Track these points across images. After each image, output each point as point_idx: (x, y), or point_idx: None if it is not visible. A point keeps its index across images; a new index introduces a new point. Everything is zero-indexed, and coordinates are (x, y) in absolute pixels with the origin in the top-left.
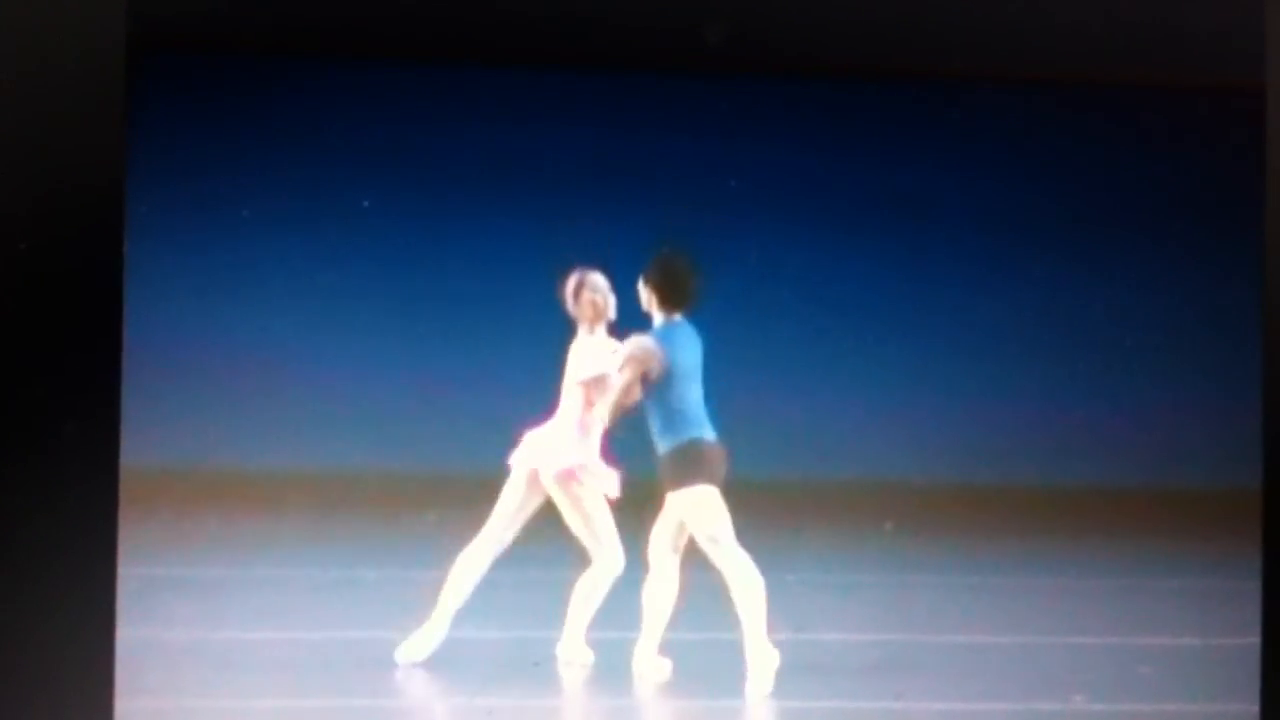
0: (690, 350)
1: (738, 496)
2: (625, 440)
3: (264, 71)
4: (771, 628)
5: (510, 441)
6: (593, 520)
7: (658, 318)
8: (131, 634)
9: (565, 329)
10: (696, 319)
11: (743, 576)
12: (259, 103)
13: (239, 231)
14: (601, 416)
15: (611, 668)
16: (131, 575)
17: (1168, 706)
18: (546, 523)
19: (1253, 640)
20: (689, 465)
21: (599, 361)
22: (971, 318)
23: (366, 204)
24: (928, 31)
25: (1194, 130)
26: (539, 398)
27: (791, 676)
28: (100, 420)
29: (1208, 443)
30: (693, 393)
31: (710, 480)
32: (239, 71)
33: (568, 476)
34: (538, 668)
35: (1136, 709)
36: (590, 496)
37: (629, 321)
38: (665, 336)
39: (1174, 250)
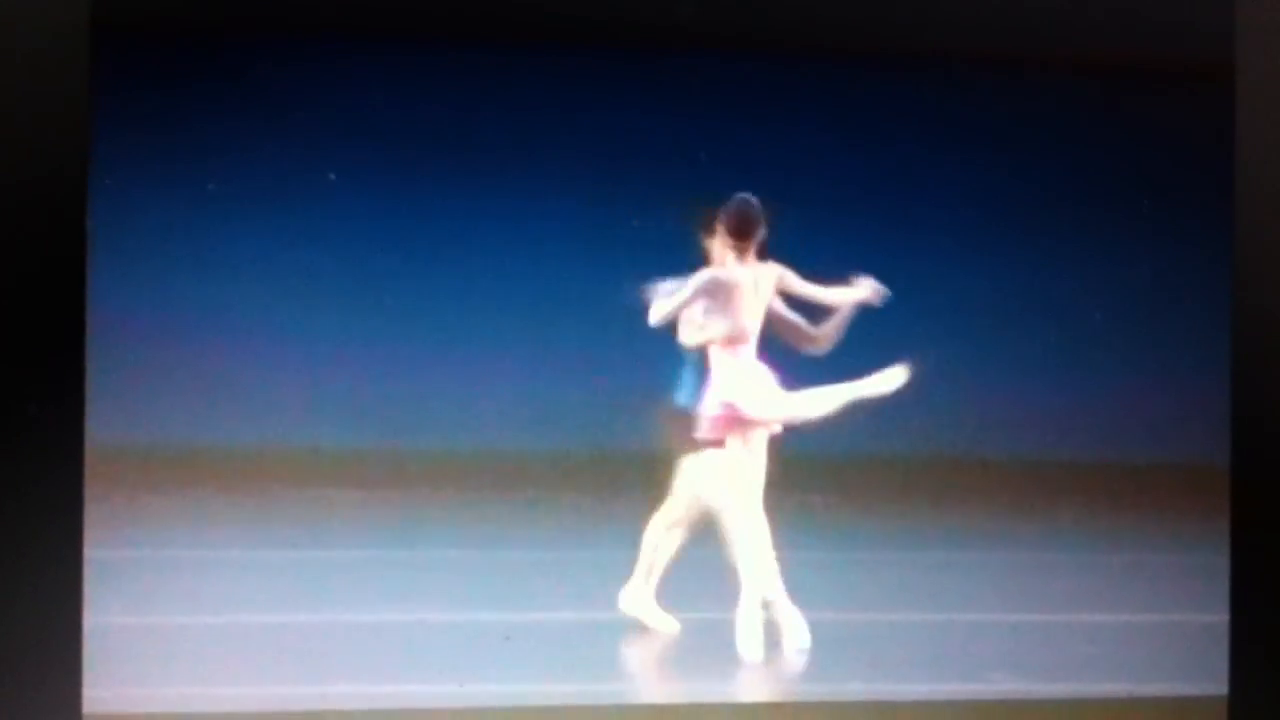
0: None
1: None
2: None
3: (228, 49)
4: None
5: (482, 419)
6: None
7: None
8: (99, 620)
9: (536, 305)
10: None
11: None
12: (223, 79)
13: (204, 208)
14: None
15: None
16: (97, 558)
17: (1135, 685)
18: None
19: (1221, 618)
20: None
21: None
22: (942, 294)
23: (333, 177)
24: (897, 12)
25: (1163, 110)
26: (512, 372)
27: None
28: (65, 402)
29: (1177, 419)
30: None
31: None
32: (203, 49)
33: None
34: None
35: (1109, 689)
36: None
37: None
38: None
39: (1144, 228)
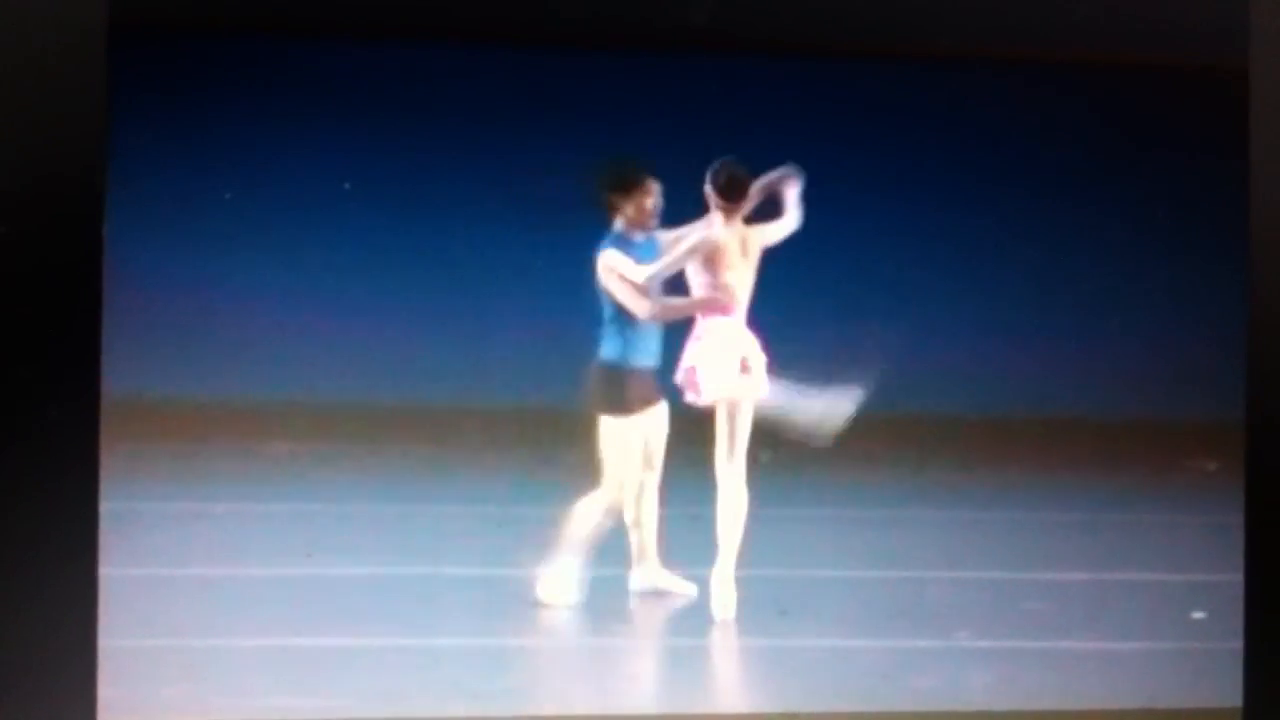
0: None
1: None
2: None
3: (246, 53)
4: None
5: (485, 385)
6: None
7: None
8: (115, 571)
9: (552, 313)
10: None
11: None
12: (242, 85)
13: (220, 215)
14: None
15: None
16: (113, 510)
17: (1151, 643)
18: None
19: (1235, 577)
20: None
21: None
22: (958, 283)
23: (348, 186)
24: (909, 11)
25: (1178, 110)
26: (522, 375)
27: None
28: (81, 410)
29: (1192, 376)
30: None
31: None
32: (222, 53)
33: None
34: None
35: (1120, 647)
36: None
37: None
38: None
39: (1159, 226)
